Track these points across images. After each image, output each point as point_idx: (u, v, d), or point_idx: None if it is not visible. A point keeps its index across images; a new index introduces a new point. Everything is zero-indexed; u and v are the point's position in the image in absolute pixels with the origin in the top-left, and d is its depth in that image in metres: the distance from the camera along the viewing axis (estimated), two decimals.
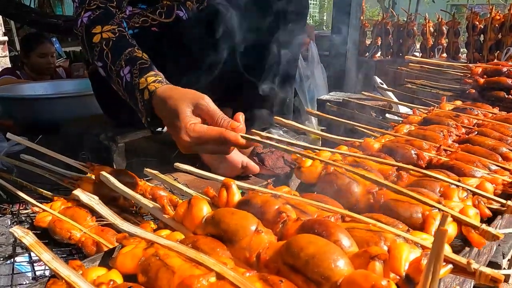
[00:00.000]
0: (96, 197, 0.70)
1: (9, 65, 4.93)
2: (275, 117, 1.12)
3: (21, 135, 2.18)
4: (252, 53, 1.54)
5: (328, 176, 0.67)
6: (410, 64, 1.58)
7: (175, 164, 0.89)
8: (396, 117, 1.30)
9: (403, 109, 1.51)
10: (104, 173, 0.77)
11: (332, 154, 0.80)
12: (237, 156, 1.55)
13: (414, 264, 0.47)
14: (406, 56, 1.63)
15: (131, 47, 1.02)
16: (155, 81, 0.94)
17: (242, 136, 0.82)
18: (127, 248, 0.52)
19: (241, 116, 0.87)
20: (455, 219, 0.57)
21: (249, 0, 1.44)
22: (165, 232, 0.56)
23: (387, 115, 1.39)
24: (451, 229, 0.55)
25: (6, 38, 5.46)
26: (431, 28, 2.88)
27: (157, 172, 0.81)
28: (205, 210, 0.57)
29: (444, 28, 2.78)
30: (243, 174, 1.57)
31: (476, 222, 0.55)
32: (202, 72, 1.48)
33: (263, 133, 0.92)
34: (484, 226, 0.54)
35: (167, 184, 0.80)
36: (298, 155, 0.75)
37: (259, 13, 1.48)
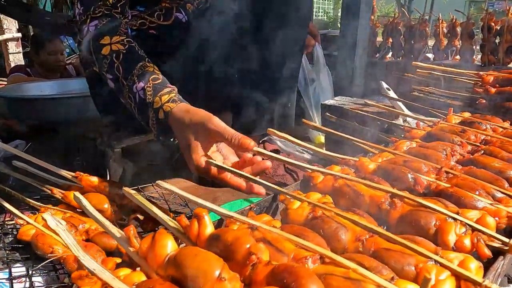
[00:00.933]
0: (64, 223, 0.66)
1: (23, 61, 4.97)
2: (269, 129, 1.06)
3: (25, 135, 2.17)
4: (251, 57, 1.49)
5: (315, 221, 0.61)
6: (418, 70, 1.50)
7: (157, 182, 0.84)
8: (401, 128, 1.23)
9: (410, 120, 1.44)
10: (76, 193, 0.73)
11: (325, 174, 0.74)
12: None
13: None
14: (413, 63, 1.55)
15: (142, 60, 1.02)
16: (169, 100, 0.95)
17: (253, 151, 0.84)
18: None
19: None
20: (454, 274, 0.50)
21: (249, 2, 1.39)
22: (124, 272, 0.51)
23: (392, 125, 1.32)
24: (448, 286, 0.49)
25: (19, 34, 5.49)
26: (445, 29, 2.77)
27: (134, 192, 0.76)
28: (170, 247, 0.52)
29: (458, 29, 2.67)
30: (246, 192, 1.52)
31: (477, 277, 0.48)
32: (200, 76, 1.43)
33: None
34: (487, 282, 0.48)
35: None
36: (286, 196, 0.69)
37: (260, 16, 1.42)
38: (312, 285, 0.43)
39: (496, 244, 0.58)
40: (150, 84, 0.98)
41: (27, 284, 0.91)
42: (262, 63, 1.52)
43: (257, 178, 0.79)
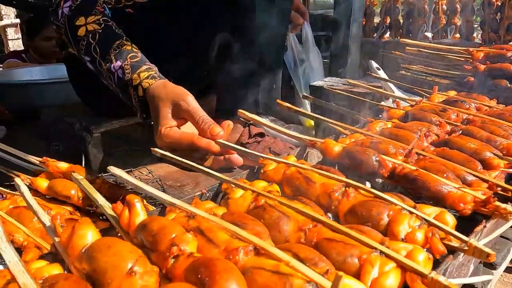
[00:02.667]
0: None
1: (22, 48, 4.93)
2: (239, 110, 1.01)
3: (8, 121, 2.14)
4: (234, 38, 1.44)
5: (256, 210, 0.56)
6: (407, 48, 1.43)
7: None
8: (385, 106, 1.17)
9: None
10: (17, 180, 0.69)
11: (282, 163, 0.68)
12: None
13: None
14: (401, 40, 1.47)
15: (120, 38, 0.98)
16: (148, 76, 0.92)
17: (217, 142, 0.80)
18: None
19: (228, 124, 0.86)
20: (400, 265, 0.45)
21: None
22: (39, 264, 0.47)
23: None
24: (392, 280, 0.43)
25: (18, 20, 5.43)
26: (444, 6, 2.66)
27: (81, 178, 0.71)
28: (90, 237, 0.47)
29: (457, 6, 2.56)
30: (226, 166, 1.48)
31: (424, 269, 0.43)
32: (181, 58, 1.38)
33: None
34: (433, 274, 0.42)
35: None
36: (230, 184, 0.64)
37: None
38: (226, 281, 0.38)
39: (454, 243, 0.52)
40: (127, 62, 0.94)
41: None
42: (245, 44, 1.46)
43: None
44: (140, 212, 0.53)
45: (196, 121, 0.82)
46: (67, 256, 0.49)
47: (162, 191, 1.32)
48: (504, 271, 1.12)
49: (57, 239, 0.53)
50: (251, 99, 1.57)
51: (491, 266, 0.96)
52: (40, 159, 1.15)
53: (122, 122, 1.57)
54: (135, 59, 0.94)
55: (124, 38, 0.99)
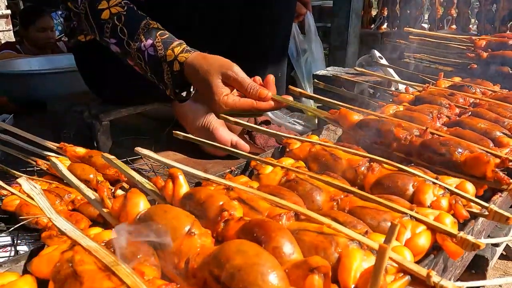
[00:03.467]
0: (39, 187, 0.64)
1: (13, 39, 4.87)
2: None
3: (13, 111, 2.14)
4: (241, 27, 1.46)
5: (288, 183, 0.60)
6: (410, 36, 1.47)
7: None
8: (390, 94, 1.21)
9: (402, 87, 1.41)
10: (54, 159, 0.71)
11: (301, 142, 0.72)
12: (226, 135, 1.49)
13: (365, 275, 0.41)
14: (405, 28, 1.51)
15: (144, 18, 1.01)
16: (182, 51, 0.95)
17: (272, 98, 0.87)
18: (48, 249, 0.46)
19: (271, 78, 0.90)
20: (429, 227, 0.49)
21: None
22: (95, 230, 0.50)
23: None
24: (424, 240, 0.48)
25: (9, 11, 5.35)
26: None
27: (113, 157, 0.74)
28: (142, 205, 0.51)
29: None
30: (233, 154, 1.51)
31: (452, 229, 0.47)
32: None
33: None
34: (462, 233, 0.47)
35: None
36: (257, 161, 0.68)
37: None
38: (281, 238, 0.42)
39: (475, 209, 0.57)
40: (158, 39, 0.97)
41: (12, 253, 0.91)
42: (252, 33, 1.48)
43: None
44: (183, 184, 0.56)
45: (245, 88, 0.87)
46: (118, 223, 0.52)
47: None
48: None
49: (105, 210, 0.56)
50: None
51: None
52: (58, 144, 1.18)
53: (130, 110, 1.59)
54: (165, 36, 0.97)
55: (148, 18, 1.02)
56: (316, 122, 1.84)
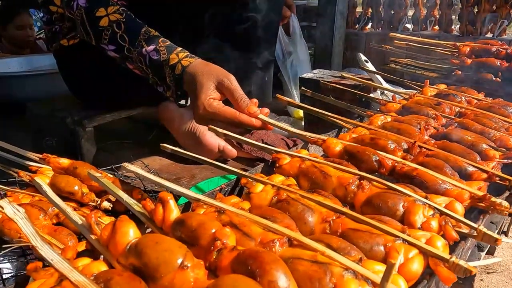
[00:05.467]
0: (23, 210, 0.62)
1: None
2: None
3: None
4: (227, 31, 1.44)
5: (280, 204, 0.59)
6: (396, 41, 1.48)
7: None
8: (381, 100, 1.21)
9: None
10: (37, 179, 0.69)
11: (291, 157, 0.72)
12: (213, 140, 1.48)
13: None
14: (390, 34, 1.52)
15: (143, 26, 1.03)
16: (187, 56, 0.97)
17: (258, 118, 0.87)
18: (34, 285, 0.44)
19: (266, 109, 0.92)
20: (421, 251, 0.49)
21: None
22: (84, 261, 0.49)
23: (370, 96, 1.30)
24: (417, 265, 0.48)
25: None
26: None
27: (99, 175, 0.72)
28: (132, 234, 0.49)
29: None
30: (220, 158, 1.50)
31: (445, 254, 0.48)
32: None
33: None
34: (454, 258, 0.47)
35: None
36: (249, 179, 0.67)
37: None
38: (276, 271, 0.41)
39: (464, 229, 0.57)
40: (161, 44, 0.99)
41: None
42: (238, 37, 1.47)
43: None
44: (174, 209, 0.55)
45: (236, 98, 0.88)
46: (107, 252, 0.51)
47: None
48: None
49: (93, 237, 0.55)
50: (245, 91, 1.59)
51: (479, 249, 1.04)
52: (40, 155, 1.14)
53: (115, 115, 1.56)
54: (167, 42, 1.00)
55: (146, 25, 1.04)
56: (303, 124, 1.84)
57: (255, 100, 0.91)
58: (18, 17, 3.00)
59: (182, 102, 1.16)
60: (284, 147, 1.45)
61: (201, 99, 0.89)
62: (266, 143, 1.67)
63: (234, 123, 0.87)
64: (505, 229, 1.31)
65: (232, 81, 0.90)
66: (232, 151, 1.47)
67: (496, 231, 1.09)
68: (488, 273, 1.19)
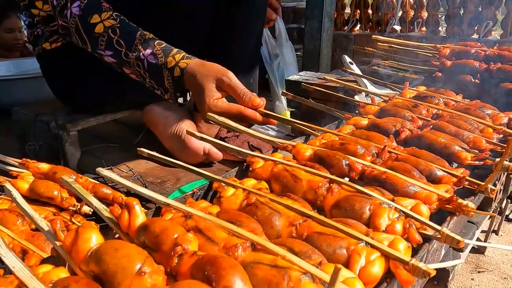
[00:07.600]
0: None
1: None
2: (208, 113, 1.05)
3: None
4: (211, 33, 1.45)
5: (248, 208, 0.59)
6: (378, 43, 1.49)
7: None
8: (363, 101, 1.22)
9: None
10: (8, 185, 0.69)
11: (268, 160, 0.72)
12: (198, 143, 1.48)
13: None
14: (373, 36, 1.53)
15: (138, 29, 1.04)
16: (183, 57, 0.99)
17: (260, 113, 0.91)
18: None
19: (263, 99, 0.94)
20: (383, 254, 0.50)
21: None
22: (45, 268, 0.49)
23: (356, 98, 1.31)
24: (377, 268, 0.48)
25: None
26: (411, 0, 2.75)
27: (72, 181, 0.72)
28: (94, 240, 0.49)
29: (424, 0, 2.66)
30: (206, 161, 1.50)
31: (405, 256, 0.48)
32: None
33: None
34: (414, 261, 0.48)
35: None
36: (221, 183, 0.67)
37: None
38: (232, 277, 0.42)
39: (429, 232, 0.58)
40: (157, 48, 1.00)
41: None
42: (222, 38, 1.48)
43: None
44: (139, 214, 0.55)
45: (238, 93, 0.91)
46: (71, 259, 0.51)
47: (144, 187, 1.33)
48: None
49: (58, 243, 0.55)
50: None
51: (459, 249, 1.04)
52: (20, 160, 1.14)
53: (99, 119, 1.55)
54: (163, 45, 1.01)
55: (141, 28, 1.05)
56: (290, 127, 1.85)
57: (254, 93, 0.93)
58: (8, 20, 2.98)
59: (180, 101, 1.16)
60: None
61: (206, 102, 0.92)
62: (252, 145, 1.67)
63: (240, 117, 0.90)
64: (495, 228, 1.32)
65: (231, 78, 0.92)
66: (218, 154, 1.47)
67: (479, 231, 1.10)
68: (478, 272, 1.19)
